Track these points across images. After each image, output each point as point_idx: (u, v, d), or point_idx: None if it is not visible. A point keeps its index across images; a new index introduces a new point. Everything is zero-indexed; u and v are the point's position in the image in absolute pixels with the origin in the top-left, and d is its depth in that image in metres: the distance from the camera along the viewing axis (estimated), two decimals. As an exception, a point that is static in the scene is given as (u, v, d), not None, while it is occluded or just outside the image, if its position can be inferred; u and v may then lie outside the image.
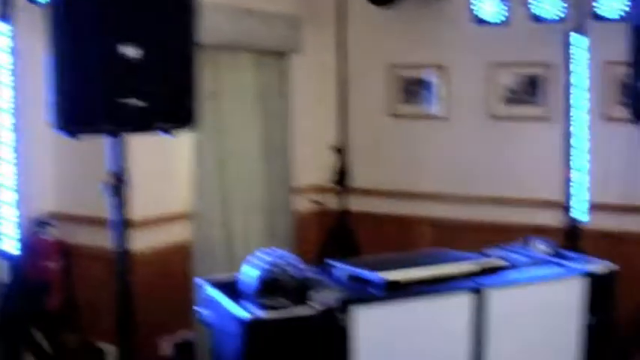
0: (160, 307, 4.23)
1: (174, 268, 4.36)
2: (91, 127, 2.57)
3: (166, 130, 2.70)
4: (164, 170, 4.37)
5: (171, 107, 2.64)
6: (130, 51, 2.51)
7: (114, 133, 2.68)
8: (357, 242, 4.85)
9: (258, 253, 2.88)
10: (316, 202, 5.13)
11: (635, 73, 3.84)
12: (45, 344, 3.88)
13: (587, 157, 4.36)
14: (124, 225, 2.80)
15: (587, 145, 4.36)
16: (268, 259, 2.81)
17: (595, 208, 4.59)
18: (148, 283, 4.21)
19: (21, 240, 3.21)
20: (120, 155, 2.74)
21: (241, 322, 2.63)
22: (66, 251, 4.26)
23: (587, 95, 4.36)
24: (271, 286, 2.71)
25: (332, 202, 4.99)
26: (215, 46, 4.38)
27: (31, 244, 3.96)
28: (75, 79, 2.53)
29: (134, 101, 2.54)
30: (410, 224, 5.39)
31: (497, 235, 4.29)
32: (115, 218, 2.79)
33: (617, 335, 4.23)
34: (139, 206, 4.15)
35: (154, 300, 4.22)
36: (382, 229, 5.44)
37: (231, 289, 2.90)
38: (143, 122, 2.61)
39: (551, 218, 4.46)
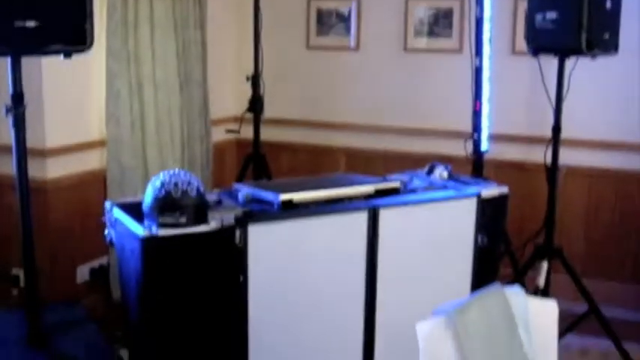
0: (78, 234, 4.28)
1: (91, 196, 4.38)
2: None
3: (63, 53, 2.73)
4: (80, 98, 4.35)
5: (67, 29, 2.66)
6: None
7: (9, 55, 2.71)
8: (270, 170, 4.95)
9: (160, 175, 2.96)
10: (231, 131, 5.19)
11: (532, 7, 3.98)
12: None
13: (494, 89, 4.50)
14: (23, 150, 2.83)
15: (493, 77, 4.49)
16: (168, 179, 2.89)
17: (502, 138, 4.79)
18: (65, 211, 4.26)
19: None
20: (18, 78, 2.77)
21: (138, 238, 2.72)
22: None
23: (493, 28, 4.47)
24: (169, 205, 2.78)
25: (248, 132, 5.07)
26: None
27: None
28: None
29: (28, 23, 2.56)
30: (324, 153, 5.51)
31: (409, 164, 4.45)
32: (15, 144, 2.82)
33: (513, 256, 4.48)
34: (54, 134, 4.18)
35: (72, 228, 4.27)
36: (297, 158, 5.56)
37: (137, 210, 2.95)
38: (38, 44, 2.63)
39: (460, 148, 4.61)
